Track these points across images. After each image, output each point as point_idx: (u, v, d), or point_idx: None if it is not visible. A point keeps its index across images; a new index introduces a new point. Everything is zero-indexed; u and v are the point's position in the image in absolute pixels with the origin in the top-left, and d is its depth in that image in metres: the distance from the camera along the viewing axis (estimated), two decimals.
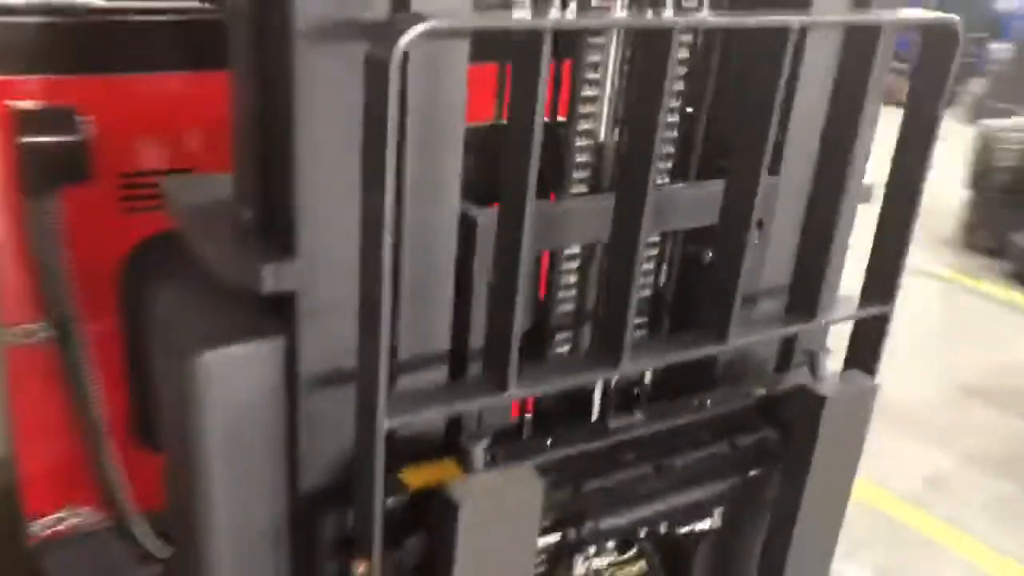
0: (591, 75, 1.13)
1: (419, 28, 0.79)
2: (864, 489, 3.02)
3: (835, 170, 1.23)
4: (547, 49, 0.87)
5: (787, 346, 1.46)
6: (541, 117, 0.90)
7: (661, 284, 1.36)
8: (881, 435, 3.31)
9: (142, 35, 1.70)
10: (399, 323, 1.08)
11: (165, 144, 1.73)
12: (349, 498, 1.04)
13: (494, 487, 1.04)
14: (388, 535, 1.05)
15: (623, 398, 1.35)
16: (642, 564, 1.48)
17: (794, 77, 1.26)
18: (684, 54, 1.20)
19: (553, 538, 1.19)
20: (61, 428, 1.89)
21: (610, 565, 1.43)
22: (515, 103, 0.90)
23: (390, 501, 1.06)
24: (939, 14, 1.15)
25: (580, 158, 1.17)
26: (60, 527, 2.06)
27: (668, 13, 1.13)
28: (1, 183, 1.71)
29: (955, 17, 1.15)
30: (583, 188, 1.20)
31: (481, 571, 1.05)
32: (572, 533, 1.20)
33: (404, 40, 0.79)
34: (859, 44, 1.15)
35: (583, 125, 1.15)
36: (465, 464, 1.05)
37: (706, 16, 1.12)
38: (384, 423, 0.93)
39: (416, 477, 1.08)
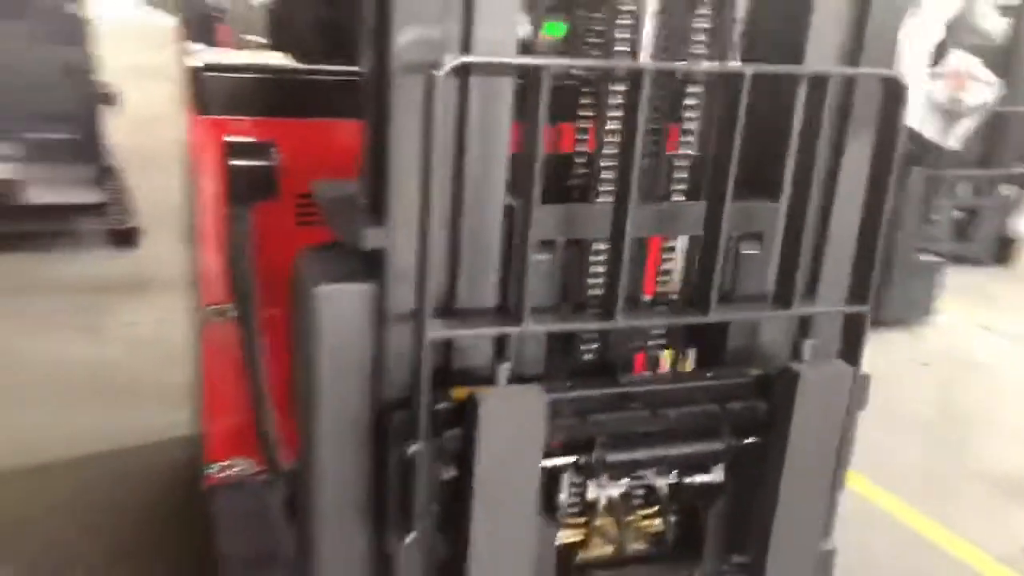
0: (613, 113, 1.55)
1: (448, 65, 1.23)
2: (963, 549, 3.12)
3: (814, 199, 1.57)
4: (547, 83, 1.29)
5: (800, 338, 1.75)
6: (541, 135, 1.32)
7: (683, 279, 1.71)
8: (991, 504, 3.38)
9: (319, 90, 2.27)
10: (458, 282, 1.51)
11: (331, 173, 2.27)
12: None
13: (509, 396, 1.43)
14: (439, 430, 1.46)
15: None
16: (659, 521, 1.80)
17: (789, 121, 1.61)
18: (692, 101, 1.59)
19: (567, 460, 1.56)
20: (236, 392, 2.42)
21: (630, 509, 1.76)
22: (526, 130, 1.33)
23: (442, 406, 1.47)
24: (883, 69, 1.48)
25: (605, 175, 1.58)
26: (228, 473, 2.60)
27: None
28: (214, 195, 2.31)
29: (898, 72, 1.48)
30: (610, 198, 1.59)
31: (497, 459, 1.43)
32: (582, 459, 1.56)
33: (442, 72, 1.23)
34: (820, 94, 1.50)
35: (606, 151, 1.56)
36: (492, 381, 1.45)
37: (665, 63, 1.51)
38: (428, 335, 1.36)
39: (461, 392, 1.49)
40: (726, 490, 1.74)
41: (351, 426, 1.53)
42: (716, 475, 1.71)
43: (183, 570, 2.69)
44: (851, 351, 1.67)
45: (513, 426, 1.43)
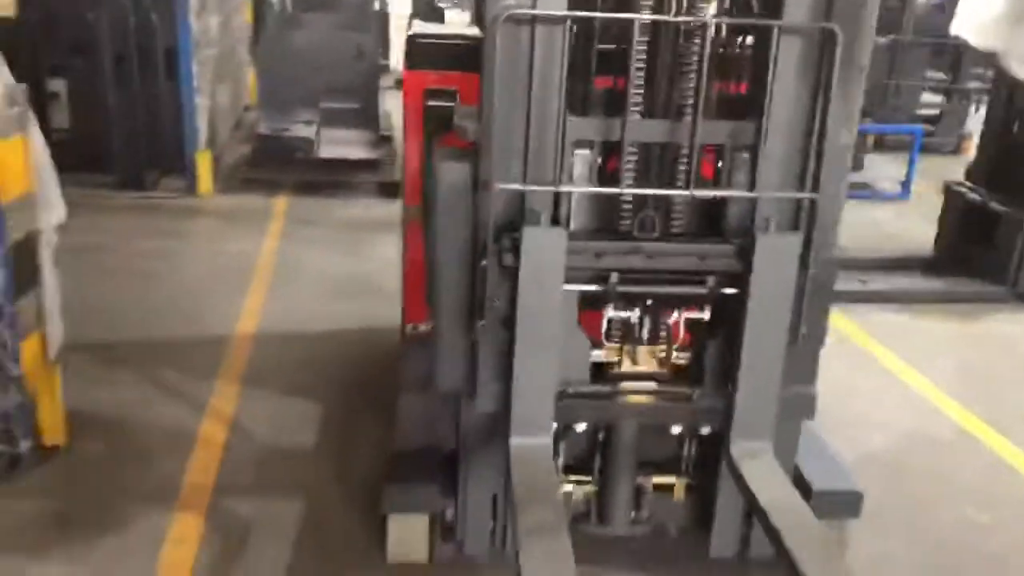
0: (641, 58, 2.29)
1: (503, 15, 2.05)
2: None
3: (784, 119, 2.23)
4: (566, 30, 2.08)
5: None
6: (565, 62, 2.11)
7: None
8: None
9: None
10: (528, 167, 2.32)
11: None
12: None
13: (542, 233, 2.23)
14: (504, 255, 2.29)
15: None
16: (669, 353, 2.50)
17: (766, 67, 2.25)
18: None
19: (592, 288, 2.34)
20: (422, 270, 3.39)
21: (652, 340, 2.49)
22: (542, 64, 2.13)
23: (506, 241, 2.30)
24: (821, 23, 2.10)
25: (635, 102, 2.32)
26: (417, 331, 3.59)
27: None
28: (417, 127, 3.29)
29: (835, 25, 2.09)
30: (636, 116, 2.33)
31: (533, 275, 2.24)
32: (602, 288, 2.32)
33: (499, 20, 2.06)
34: (776, 42, 2.15)
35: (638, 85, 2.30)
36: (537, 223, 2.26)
37: (647, 15, 2.19)
38: (494, 187, 2.20)
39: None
40: (719, 332, 2.42)
41: (457, 252, 2.39)
42: (707, 314, 2.40)
43: (385, 388, 3.73)
44: (808, 229, 2.29)
45: (544, 253, 2.24)
